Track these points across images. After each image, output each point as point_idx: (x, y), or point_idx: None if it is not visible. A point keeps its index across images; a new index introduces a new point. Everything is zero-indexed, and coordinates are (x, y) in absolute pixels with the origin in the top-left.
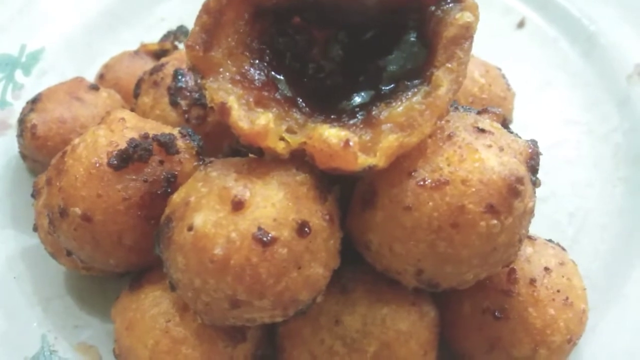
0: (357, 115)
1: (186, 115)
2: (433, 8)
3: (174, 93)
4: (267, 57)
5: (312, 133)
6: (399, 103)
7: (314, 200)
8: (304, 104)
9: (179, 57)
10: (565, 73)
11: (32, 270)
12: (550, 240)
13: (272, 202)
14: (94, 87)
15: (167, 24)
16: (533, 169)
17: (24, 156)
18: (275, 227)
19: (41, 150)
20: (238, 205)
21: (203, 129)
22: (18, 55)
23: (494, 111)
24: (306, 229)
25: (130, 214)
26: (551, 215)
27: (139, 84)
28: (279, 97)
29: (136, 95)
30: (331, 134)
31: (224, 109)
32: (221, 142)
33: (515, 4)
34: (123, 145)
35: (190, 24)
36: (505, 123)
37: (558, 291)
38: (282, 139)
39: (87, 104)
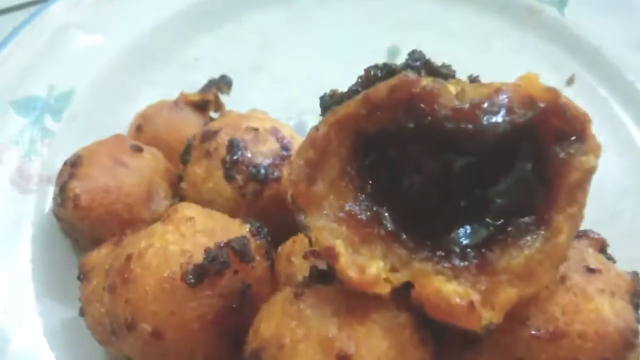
0: (469, 257)
1: (242, 191)
2: (557, 149)
3: (230, 167)
4: (368, 186)
5: (423, 281)
6: (518, 251)
7: (418, 346)
8: (406, 237)
9: (231, 124)
10: (616, 137)
11: (73, 349)
12: None
13: (378, 354)
14: (137, 149)
15: (201, 64)
16: (636, 306)
17: (58, 218)
18: None
19: (83, 221)
20: None
21: (259, 204)
22: (47, 96)
23: (593, 236)
24: None
25: (204, 331)
26: None
27: (188, 150)
28: (382, 232)
29: (185, 161)
30: (450, 290)
31: (332, 254)
32: (276, 217)
33: (565, 60)
34: (197, 256)
35: (225, 66)
36: (603, 248)
37: None
38: (385, 279)
39: (132, 169)
